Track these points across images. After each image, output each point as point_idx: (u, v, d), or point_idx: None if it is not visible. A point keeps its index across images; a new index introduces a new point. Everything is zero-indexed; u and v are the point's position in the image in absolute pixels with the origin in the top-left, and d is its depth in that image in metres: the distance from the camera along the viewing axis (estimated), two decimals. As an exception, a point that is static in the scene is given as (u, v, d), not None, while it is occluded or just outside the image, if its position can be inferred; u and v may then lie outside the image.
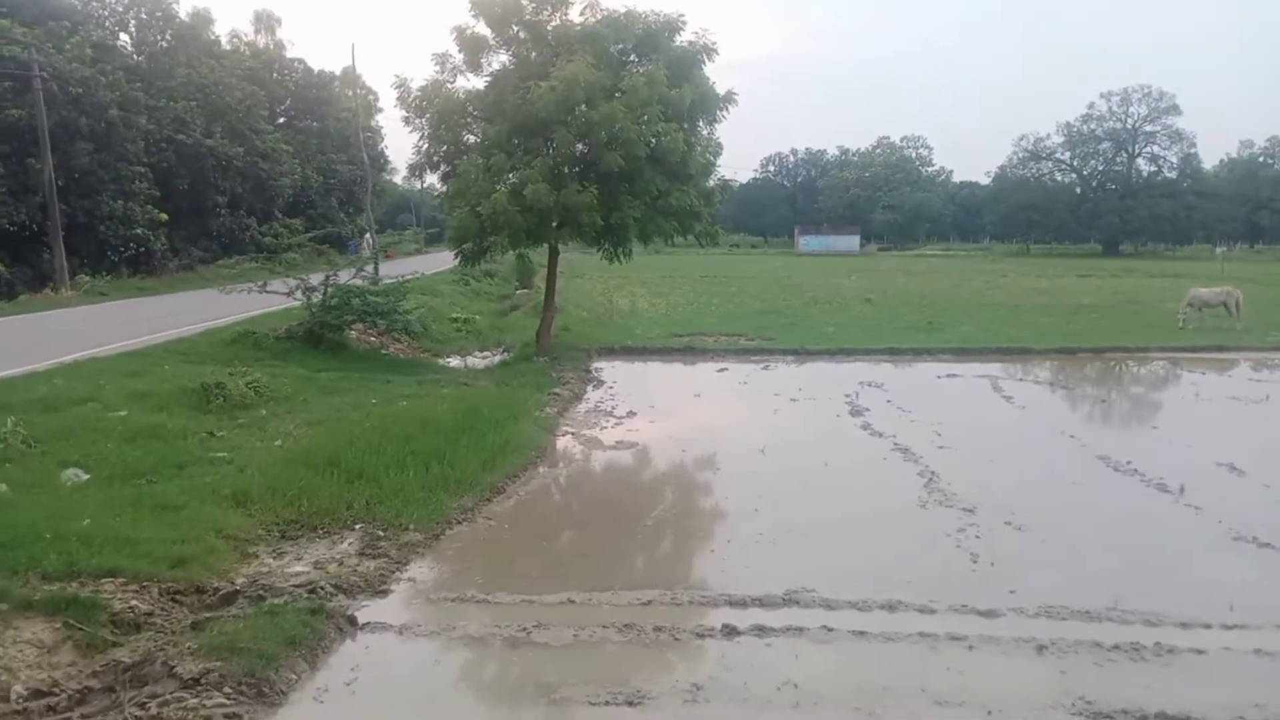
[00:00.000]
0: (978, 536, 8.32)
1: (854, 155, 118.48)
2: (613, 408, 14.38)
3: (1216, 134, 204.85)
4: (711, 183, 18.56)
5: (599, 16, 16.93)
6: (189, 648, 5.75)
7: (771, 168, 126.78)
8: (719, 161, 18.63)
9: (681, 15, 17.29)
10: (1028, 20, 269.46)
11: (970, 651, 6.07)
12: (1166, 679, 5.76)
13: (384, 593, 6.93)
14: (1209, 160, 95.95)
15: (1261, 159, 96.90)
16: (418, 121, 17.62)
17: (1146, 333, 22.89)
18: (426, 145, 17.80)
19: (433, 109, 17.22)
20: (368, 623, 6.37)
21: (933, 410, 13.98)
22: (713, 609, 6.73)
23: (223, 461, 9.74)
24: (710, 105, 17.44)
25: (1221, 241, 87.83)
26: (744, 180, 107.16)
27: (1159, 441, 12.12)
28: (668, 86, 16.27)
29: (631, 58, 17.68)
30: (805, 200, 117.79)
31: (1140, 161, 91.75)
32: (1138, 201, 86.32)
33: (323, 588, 6.75)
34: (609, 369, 18.32)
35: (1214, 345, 21.42)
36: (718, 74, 18.33)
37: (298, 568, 7.28)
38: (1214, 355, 20.59)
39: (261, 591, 6.64)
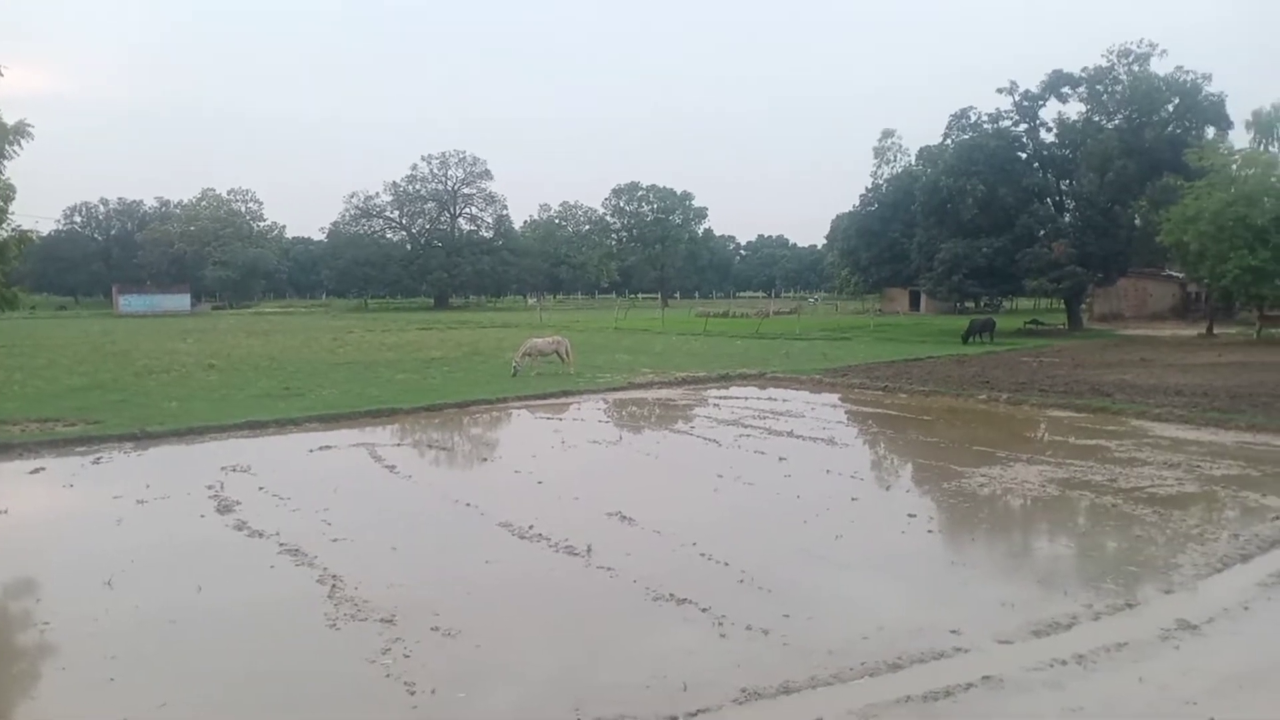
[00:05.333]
0: (407, 655, 6.98)
1: (176, 207, 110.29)
2: None
3: (522, 196, 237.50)
4: (3, 234, 14.54)
5: None
6: None
7: (78, 218, 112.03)
8: (12, 209, 14.72)
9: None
10: (349, 75, 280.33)
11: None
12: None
13: None
14: (517, 221, 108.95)
15: (557, 221, 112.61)
16: None
17: (498, 383, 23.92)
18: None
19: None
20: None
21: (315, 494, 12.30)
22: None
23: None
24: (-8, 136, 13.65)
25: (532, 294, 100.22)
26: (45, 232, 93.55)
27: (549, 497, 12.06)
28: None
29: None
30: (123, 255, 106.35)
31: (461, 221, 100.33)
32: (462, 258, 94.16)
33: None
34: None
35: (559, 390, 23.14)
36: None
37: None
38: (561, 400, 22.17)
39: None
